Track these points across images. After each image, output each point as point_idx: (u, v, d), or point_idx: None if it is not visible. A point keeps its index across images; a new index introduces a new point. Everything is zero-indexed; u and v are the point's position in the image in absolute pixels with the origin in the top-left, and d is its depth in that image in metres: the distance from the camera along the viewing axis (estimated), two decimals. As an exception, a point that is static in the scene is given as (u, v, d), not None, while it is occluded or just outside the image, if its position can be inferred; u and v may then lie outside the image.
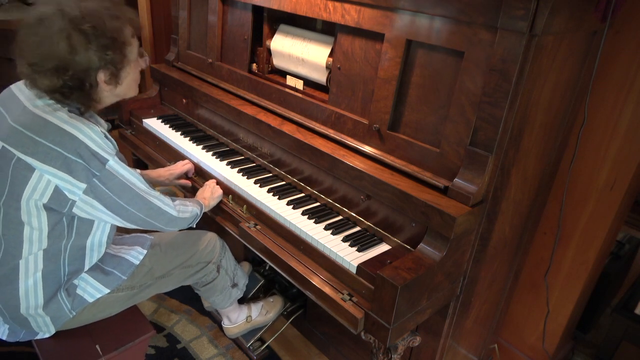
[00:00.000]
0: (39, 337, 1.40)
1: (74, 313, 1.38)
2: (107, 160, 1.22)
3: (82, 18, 1.18)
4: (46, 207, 1.22)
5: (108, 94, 1.33)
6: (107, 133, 1.27)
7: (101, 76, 1.25)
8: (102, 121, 1.39)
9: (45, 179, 1.18)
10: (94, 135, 1.21)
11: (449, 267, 1.27)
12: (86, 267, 1.39)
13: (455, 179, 1.25)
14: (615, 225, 1.69)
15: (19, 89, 1.31)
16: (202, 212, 1.60)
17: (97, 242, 1.38)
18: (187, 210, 1.51)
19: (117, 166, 1.25)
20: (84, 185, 1.20)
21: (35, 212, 1.22)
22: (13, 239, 1.25)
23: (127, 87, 1.36)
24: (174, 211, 1.44)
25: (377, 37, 1.39)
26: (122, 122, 2.29)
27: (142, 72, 1.43)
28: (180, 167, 1.84)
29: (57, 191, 1.19)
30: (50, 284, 1.32)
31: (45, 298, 1.32)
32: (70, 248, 1.32)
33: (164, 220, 1.42)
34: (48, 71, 1.19)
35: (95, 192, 1.23)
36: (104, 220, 1.32)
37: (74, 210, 1.24)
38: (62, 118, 1.20)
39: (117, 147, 1.28)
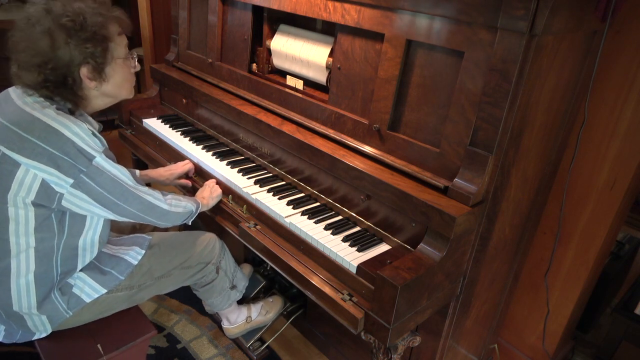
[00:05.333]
0: (36, 337, 1.40)
1: (71, 313, 1.38)
2: (94, 157, 1.23)
3: (64, 14, 1.20)
4: (34, 204, 1.22)
5: (96, 93, 1.33)
6: (95, 131, 1.27)
7: (84, 71, 1.26)
8: (93, 121, 1.40)
9: (31, 174, 1.19)
10: (80, 132, 1.21)
11: (449, 267, 1.27)
12: (79, 267, 1.39)
13: (455, 179, 1.25)
14: (615, 225, 1.69)
15: (14, 90, 1.33)
16: (199, 210, 1.60)
17: (89, 242, 1.38)
18: (179, 205, 1.51)
19: (105, 163, 1.25)
20: (70, 180, 1.21)
21: (23, 208, 1.22)
22: (0, 236, 1.25)
23: (117, 86, 1.36)
24: (165, 205, 1.45)
25: (377, 37, 1.39)
26: (122, 122, 2.29)
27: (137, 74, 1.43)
28: (181, 167, 1.84)
29: (44, 185, 1.20)
30: (43, 285, 1.32)
31: (39, 299, 1.32)
32: (63, 247, 1.32)
33: (157, 215, 1.43)
34: (32, 67, 1.21)
35: (82, 187, 1.23)
36: (96, 214, 1.33)
37: (63, 203, 1.24)
38: (49, 115, 1.21)
39: (106, 145, 1.29)
